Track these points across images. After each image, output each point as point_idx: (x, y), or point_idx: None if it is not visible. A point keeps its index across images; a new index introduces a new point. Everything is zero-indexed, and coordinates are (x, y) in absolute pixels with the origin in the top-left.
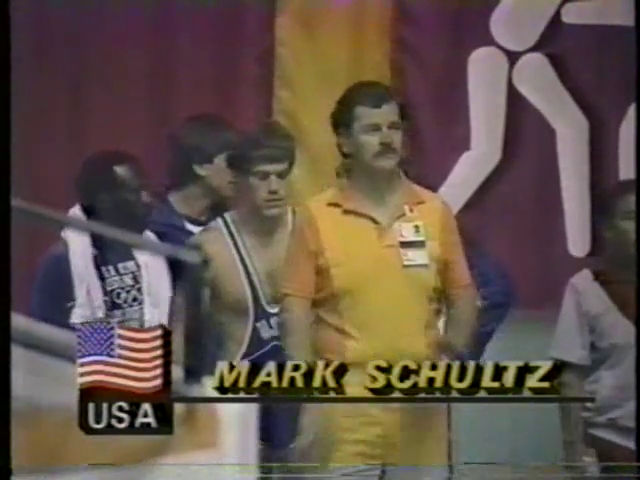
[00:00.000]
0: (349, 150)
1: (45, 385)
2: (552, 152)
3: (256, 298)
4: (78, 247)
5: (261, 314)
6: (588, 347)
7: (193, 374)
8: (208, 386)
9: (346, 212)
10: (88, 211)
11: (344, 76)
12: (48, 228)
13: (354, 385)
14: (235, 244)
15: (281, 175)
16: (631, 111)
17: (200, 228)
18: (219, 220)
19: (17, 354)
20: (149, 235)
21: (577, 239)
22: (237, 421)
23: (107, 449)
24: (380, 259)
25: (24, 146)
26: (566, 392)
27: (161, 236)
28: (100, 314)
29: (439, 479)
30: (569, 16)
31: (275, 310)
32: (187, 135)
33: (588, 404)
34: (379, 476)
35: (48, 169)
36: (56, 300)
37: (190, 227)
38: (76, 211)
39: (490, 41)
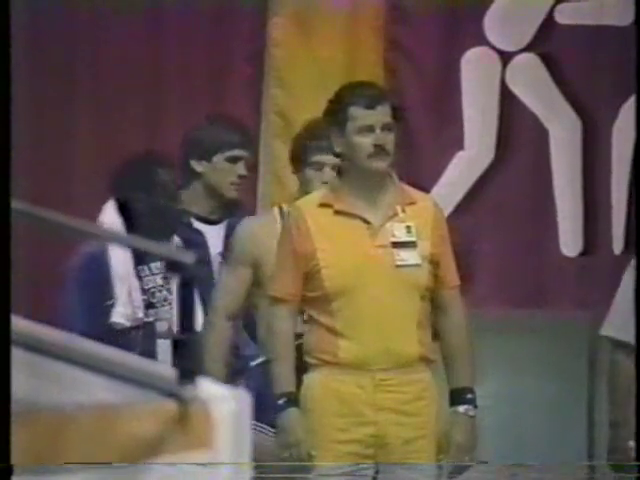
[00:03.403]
0: (341, 150)
1: (44, 386)
2: (545, 152)
3: None
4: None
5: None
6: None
7: (187, 375)
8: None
9: (337, 213)
10: (122, 208)
11: (338, 76)
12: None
13: (348, 384)
14: None
15: (334, 168)
16: (624, 111)
17: (209, 226)
18: (276, 208)
19: (16, 355)
20: (176, 239)
21: (569, 239)
22: (231, 420)
23: (104, 449)
24: (372, 259)
25: (24, 146)
26: (617, 371)
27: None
28: (140, 314)
29: (430, 477)
30: (562, 16)
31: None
32: (187, 131)
33: None
34: (373, 476)
35: (48, 169)
36: (95, 298)
37: (197, 225)
38: (109, 207)
39: (483, 41)
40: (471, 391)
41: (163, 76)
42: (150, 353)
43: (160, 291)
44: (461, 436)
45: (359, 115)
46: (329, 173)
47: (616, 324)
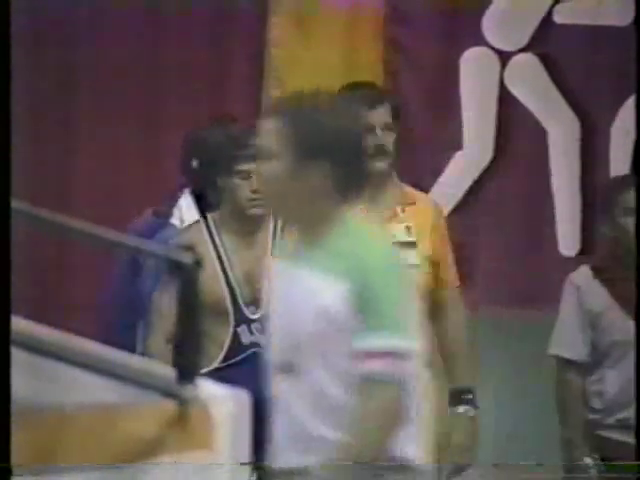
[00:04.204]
0: None
1: (44, 386)
2: (543, 152)
3: (235, 301)
4: None
5: (242, 318)
6: (589, 344)
7: (186, 374)
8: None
9: None
10: (199, 197)
11: (337, 76)
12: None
13: None
14: (214, 244)
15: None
16: (622, 111)
17: None
18: (201, 219)
19: (16, 356)
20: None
21: (568, 238)
22: (230, 421)
23: (104, 449)
24: None
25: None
26: (567, 390)
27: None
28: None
29: (427, 478)
30: (561, 16)
31: (256, 316)
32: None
33: (596, 405)
34: (373, 476)
35: (47, 170)
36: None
37: None
38: (187, 195)
39: (482, 41)
40: (470, 391)
41: (163, 76)
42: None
43: None
44: (460, 436)
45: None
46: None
47: (563, 343)
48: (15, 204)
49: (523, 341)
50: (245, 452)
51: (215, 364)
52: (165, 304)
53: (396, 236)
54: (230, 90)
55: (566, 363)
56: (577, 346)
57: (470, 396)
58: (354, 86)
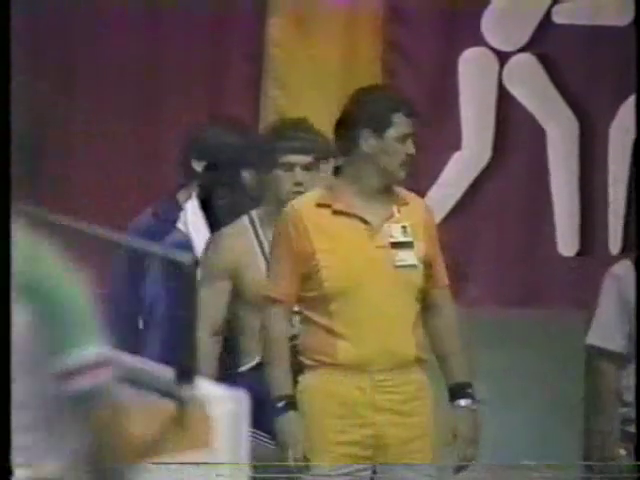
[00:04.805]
0: (370, 151)
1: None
2: (542, 152)
3: None
4: (201, 239)
5: None
6: (627, 336)
7: (185, 375)
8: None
9: (336, 213)
10: (205, 204)
11: (337, 76)
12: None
13: (347, 385)
14: (259, 240)
15: (307, 168)
16: (621, 111)
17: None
18: (245, 217)
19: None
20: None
21: (566, 238)
22: (229, 421)
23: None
24: (372, 260)
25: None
26: (602, 381)
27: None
28: None
29: (427, 477)
30: (559, 16)
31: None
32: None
33: (628, 399)
34: (371, 476)
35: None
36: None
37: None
38: (193, 201)
39: (481, 41)
40: (470, 386)
41: (162, 76)
42: None
43: None
44: (466, 428)
45: (403, 122)
46: (300, 173)
47: (602, 333)
48: (15, 204)
49: (523, 341)
50: (244, 452)
51: (258, 359)
52: (209, 298)
53: (394, 236)
54: (229, 90)
55: (603, 353)
56: (616, 337)
57: (470, 390)
58: (391, 91)
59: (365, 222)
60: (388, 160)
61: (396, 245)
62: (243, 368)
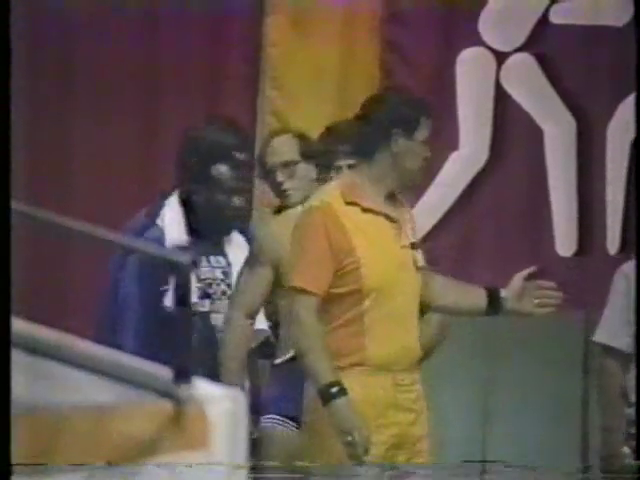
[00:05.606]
0: (399, 151)
1: (41, 386)
2: (540, 152)
3: None
4: (175, 234)
5: None
6: (633, 335)
7: (182, 374)
8: (197, 387)
9: (365, 210)
10: (185, 201)
11: (334, 77)
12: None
13: (372, 387)
14: None
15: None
16: (619, 111)
17: None
18: (300, 206)
19: (16, 356)
20: (238, 237)
21: (564, 238)
22: (227, 420)
23: (101, 449)
24: (401, 259)
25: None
26: (609, 378)
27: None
28: (194, 298)
29: (429, 477)
30: (557, 16)
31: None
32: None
33: (632, 399)
34: (380, 475)
35: (48, 169)
36: (152, 284)
37: None
38: (173, 199)
39: (478, 41)
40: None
41: (159, 77)
42: (209, 341)
43: (218, 284)
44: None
45: (427, 125)
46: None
47: (609, 331)
48: (15, 204)
49: (518, 340)
50: (242, 452)
51: (292, 352)
52: (246, 280)
53: (410, 237)
54: (227, 90)
55: (610, 351)
56: (623, 336)
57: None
58: (420, 98)
59: (393, 220)
60: (412, 162)
61: (413, 246)
62: (281, 359)
